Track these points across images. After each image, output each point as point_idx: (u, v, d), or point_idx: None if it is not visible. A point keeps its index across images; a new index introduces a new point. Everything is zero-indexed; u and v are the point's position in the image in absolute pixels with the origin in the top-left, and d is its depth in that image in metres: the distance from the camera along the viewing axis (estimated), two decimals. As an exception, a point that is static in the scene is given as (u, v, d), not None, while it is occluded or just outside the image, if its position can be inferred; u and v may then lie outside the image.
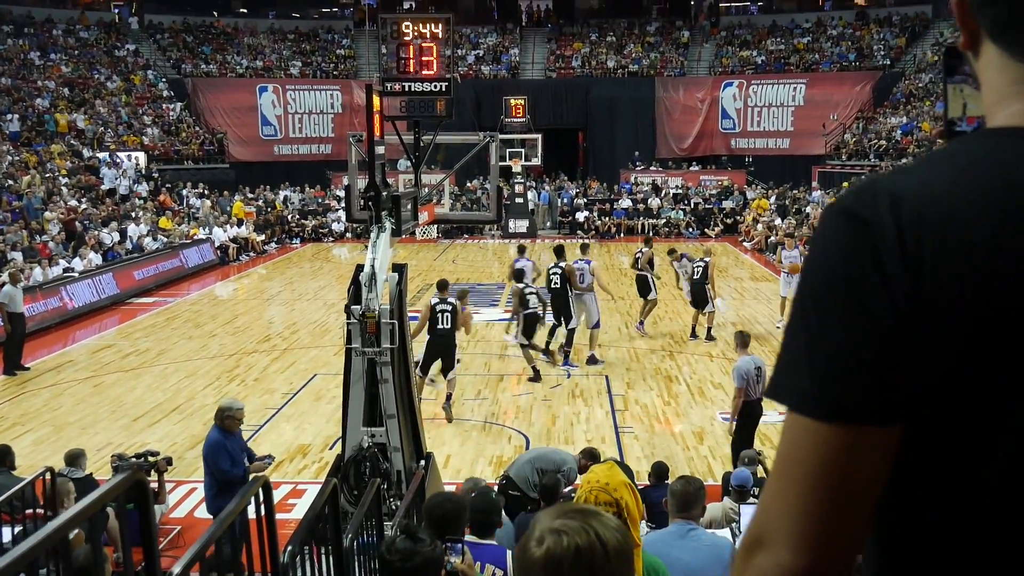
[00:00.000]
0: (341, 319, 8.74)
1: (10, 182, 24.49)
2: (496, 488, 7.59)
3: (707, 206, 32.49)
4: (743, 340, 10.00)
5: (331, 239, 30.75)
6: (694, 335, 16.19)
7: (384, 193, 7.74)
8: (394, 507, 7.05)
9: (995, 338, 0.94)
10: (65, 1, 39.39)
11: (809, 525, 0.99)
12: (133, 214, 25.82)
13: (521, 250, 15.23)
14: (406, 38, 8.50)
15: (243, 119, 36.39)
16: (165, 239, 24.69)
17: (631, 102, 37.33)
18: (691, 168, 36.19)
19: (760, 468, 8.30)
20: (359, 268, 7.61)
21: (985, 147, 1.02)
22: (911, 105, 32.82)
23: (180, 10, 40.69)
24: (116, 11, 39.73)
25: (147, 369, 14.67)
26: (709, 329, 16.07)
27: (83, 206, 24.79)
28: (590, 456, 7.98)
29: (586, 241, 20.13)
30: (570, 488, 7.35)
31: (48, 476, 6.64)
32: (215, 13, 41.37)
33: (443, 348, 11.67)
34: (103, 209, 25.39)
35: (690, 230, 31.41)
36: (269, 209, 30.95)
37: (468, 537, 4.72)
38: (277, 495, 7.91)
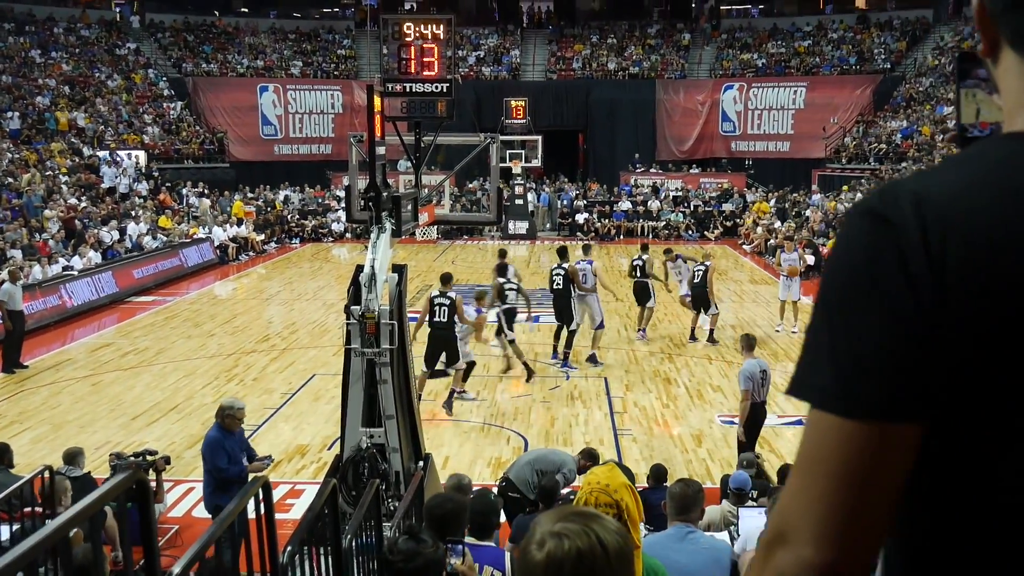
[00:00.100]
0: (340, 319, 8.74)
1: (10, 180, 24.48)
2: (496, 490, 7.60)
3: (707, 209, 32.51)
4: (748, 343, 9.88)
5: (331, 239, 30.75)
6: (693, 338, 16.19)
7: (384, 194, 7.74)
8: (392, 508, 7.05)
9: (1018, 338, 0.95)
10: (66, -1, 39.43)
11: (832, 521, 1.00)
12: (133, 213, 25.82)
13: (502, 254, 15.04)
14: (407, 39, 8.50)
15: (243, 119, 36.39)
16: (165, 238, 24.70)
17: (631, 104, 37.35)
18: (691, 171, 36.20)
19: (757, 471, 8.31)
20: (359, 269, 7.61)
21: (1006, 150, 1.03)
22: (911, 109, 32.84)
23: (181, 9, 40.72)
24: (117, 10, 39.77)
25: (146, 368, 14.66)
26: (712, 331, 16.06)
27: (83, 204, 24.79)
28: (589, 457, 7.99)
29: (588, 242, 20.09)
30: (569, 490, 7.36)
31: (47, 475, 6.64)
32: (216, 12, 41.38)
33: (443, 341, 11.80)
34: (103, 208, 25.38)
35: (690, 233, 31.42)
36: (269, 209, 30.95)
37: (467, 538, 4.73)
38: (275, 495, 7.90)
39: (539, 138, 31.13)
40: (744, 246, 29.02)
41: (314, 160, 36.66)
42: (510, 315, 13.51)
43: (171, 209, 27.75)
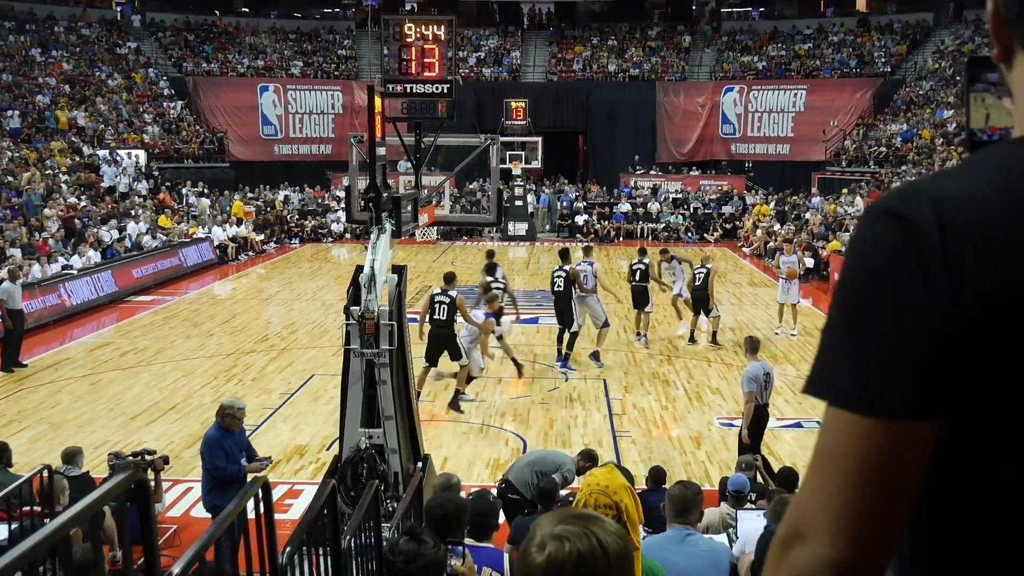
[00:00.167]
0: (339, 320, 8.72)
1: (10, 178, 24.48)
2: (495, 491, 7.60)
3: (706, 211, 32.52)
4: (752, 346, 9.86)
5: (330, 239, 30.76)
6: (692, 340, 16.19)
7: (384, 194, 7.74)
8: (391, 508, 7.06)
9: None
10: (67, -2, 39.42)
11: (849, 519, 1.00)
12: (132, 212, 25.81)
13: (490, 254, 15.05)
14: (408, 39, 8.51)
15: (244, 118, 36.39)
16: (164, 237, 24.69)
17: (632, 106, 37.35)
18: (691, 173, 36.19)
19: (756, 474, 8.31)
20: (359, 269, 7.62)
21: (1021, 154, 1.04)
22: (911, 112, 32.88)
23: (182, 8, 40.72)
24: (118, 9, 39.76)
25: (145, 367, 14.66)
26: (714, 334, 16.06)
27: (82, 203, 24.79)
28: (588, 457, 7.99)
29: (588, 244, 20.07)
30: (568, 492, 7.36)
31: (45, 474, 6.64)
32: (217, 12, 41.36)
33: (443, 339, 11.87)
34: (102, 207, 25.39)
35: (689, 235, 31.43)
36: (269, 209, 30.95)
37: (466, 540, 4.73)
38: (274, 495, 7.90)
39: (539, 139, 31.13)
40: (743, 248, 29.03)
41: (314, 160, 36.66)
42: (497, 315, 13.58)
43: (171, 209, 27.75)
